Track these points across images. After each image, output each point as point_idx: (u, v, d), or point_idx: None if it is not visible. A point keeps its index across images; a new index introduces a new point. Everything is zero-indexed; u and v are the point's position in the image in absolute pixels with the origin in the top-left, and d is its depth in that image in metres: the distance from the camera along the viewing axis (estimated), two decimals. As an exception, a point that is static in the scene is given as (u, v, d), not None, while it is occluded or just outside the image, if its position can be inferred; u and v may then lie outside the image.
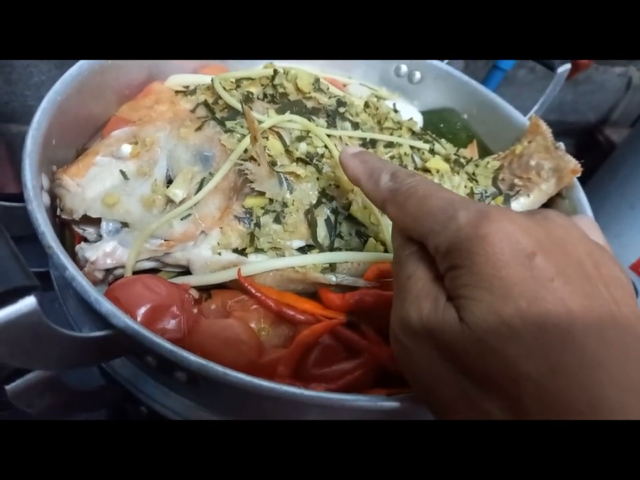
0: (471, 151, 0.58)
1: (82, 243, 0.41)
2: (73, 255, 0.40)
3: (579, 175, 0.50)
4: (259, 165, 0.38)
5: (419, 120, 0.59)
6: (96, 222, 0.41)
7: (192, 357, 0.30)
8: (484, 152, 0.59)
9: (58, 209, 0.41)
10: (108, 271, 0.40)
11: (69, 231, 0.43)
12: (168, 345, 0.30)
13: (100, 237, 0.41)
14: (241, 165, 0.39)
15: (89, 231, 0.42)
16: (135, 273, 0.40)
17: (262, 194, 0.40)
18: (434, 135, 0.55)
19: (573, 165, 0.49)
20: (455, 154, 0.52)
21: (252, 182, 0.39)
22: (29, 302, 0.25)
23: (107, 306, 0.31)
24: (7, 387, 0.30)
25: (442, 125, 0.61)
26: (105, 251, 0.40)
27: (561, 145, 0.52)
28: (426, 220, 0.27)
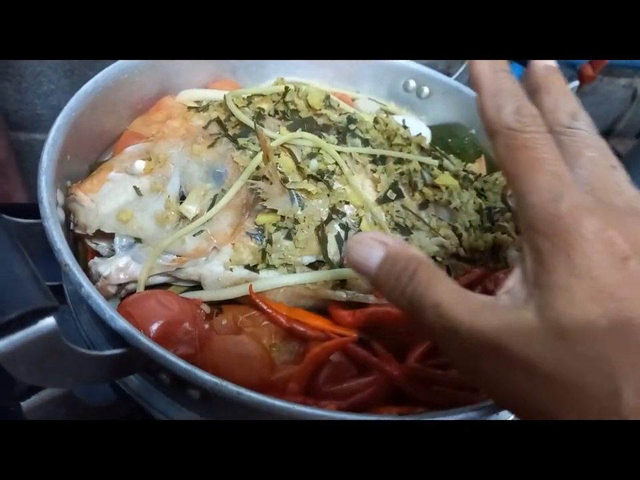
0: (479, 166, 0.59)
1: (95, 257, 0.41)
2: (86, 269, 0.41)
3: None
4: (271, 183, 0.39)
5: (427, 135, 0.59)
6: (109, 237, 0.41)
7: (206, 376, 0.30)
8: (492, 167, 0.59)
9: (72, 224, 0.42)
10: (120, 285, 0.41)
11: (82, 244, 0.44)
12: (182, 364, 0.30)
13: (113, 251, 0.41)
14: (253, 184, 0.39)
15: (102, 246, 0.42)
16: (146, 287, 0.41)
17: (274, 211, 0.41)
18: (442, 151, 0.55)
19: (582, 182, 0.50)
20: (463, 170, 0.53)
21: (264, 200, 0.39)
22: (48, 323, 0.25)
23: (121, 324, 0.31)
24: (23, 403, 0.31)
25: (450, 140, 0.61)
26: (118, 266, 0.40)
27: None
28: (528, 186, 0.26)
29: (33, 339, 0.25)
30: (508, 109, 0.28)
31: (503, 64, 0.31)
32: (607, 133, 1.54)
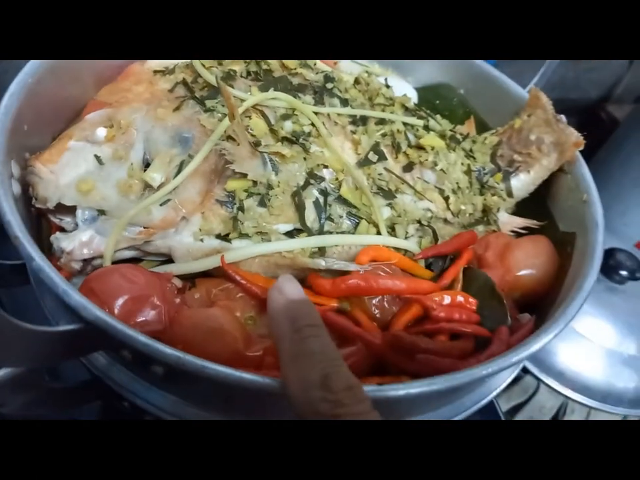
0: (468, 128, 0.56)
1: (57, 232, 0.39)
2: (52, 251, 0.38)
3: (581, 148, 0.47)
4: (238, 144, 0.36)
5: (413, 96, 0.56)
6: (73, 211, 0.39)
7: (168, 350, 0.28)
8: (482, 128, 0.56)
9: (33, 199, 0.39)
10: (86, 261, 0.38)
11: (47, 222, 0.41)
12: (142, 338, 0.28)
13: (77, 226, 0.39)
14: (218, 144, 0.36)
15: (66, 221, 0.40)
16: (114, 263, 0.38)
17: (245, 176, 0.38)
18: (428, 111, 0.52)
19: (575, 137, 0.47)
20: (450, 130, 0.50)
21: (231, 163, 0.37)
22: (-18, 295, 0.23)
23: (75, 298, 0.29)
24: (-24, 386, 0.29)
25: (437, 102, 0.58)
26: (81, 241, 0.38)
27: (562, 117, 0.49)
28: None
29: (-34, 314, 0.22)
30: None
31: None
32: (604, 99, 1.50)
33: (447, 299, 0.38)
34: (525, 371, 0.75)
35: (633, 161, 1.03)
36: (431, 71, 0.60)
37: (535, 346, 0.33)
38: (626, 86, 1.49)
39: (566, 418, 0.77)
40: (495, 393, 0.39)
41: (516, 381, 0.75)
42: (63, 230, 0.40)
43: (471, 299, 0.38)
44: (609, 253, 0.81)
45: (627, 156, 1.04)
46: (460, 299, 0.38)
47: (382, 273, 0.38)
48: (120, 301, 0.34)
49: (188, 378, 0.30)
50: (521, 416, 0.76)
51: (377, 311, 0.38)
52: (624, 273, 0.80)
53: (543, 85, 0.60)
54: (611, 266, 0.80)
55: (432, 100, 0.58)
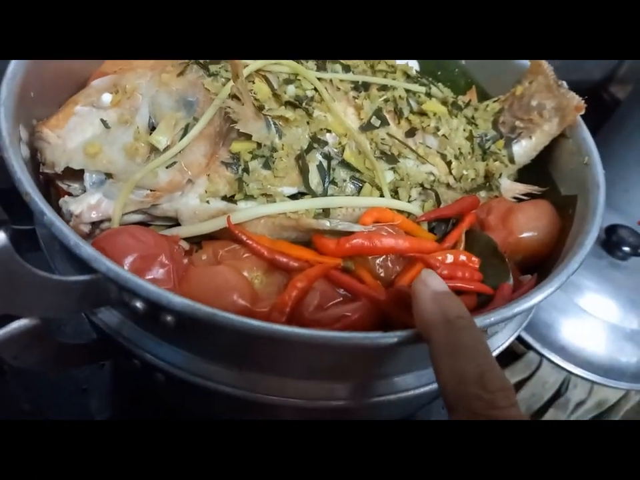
0: (470, 98, 0.56)
1: (65, 196, 0.39)
2: (61, 215, 0.39)
3: (582, 112, 0.47)
4: (242, 104, 0.37)
5: (414, 66, 0.56)
6: (80, 177, 0.39)
7: (178, 298, 0.28)
8: (483, 98, 0.57)
9: (41, 165, 0.40)
10: (94, 224, 0.39)
11: (55, 188, 0.42)
12: (152, 287, 0.28)
13: (85, 190, 0.40)
14: (224, 102, 0.37)
15: (74, 187, 0.40)
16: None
17: (249, 137, 0.38)
18: (430, 79, 0.53)
19: (576, 101, 0.47)
20: (452, 97, 0.50)
21: (236, 122, 0.37)
22: (-3, 237, 0.23)
23: (87, 250, 0.30)
24: (-11, 338, 0.29)
25: (439, 72, 0.58)
26: (89, 204, 0.38)
27: (564, 83, 0.49)
28: None
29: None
30: (471, 379, 0.22)
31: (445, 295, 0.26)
32: (607, 80, 1.50)
33: (450, 258, 0.38)
34: (527, 347, 0.75)
35: (635, 139, 1.02)
36: (433, 42, 0.61)
37: (537, 297, 0.33)
38: (628, 67, 1.48)
39: (568, 393, 0.78)
40: (494, 354, 0.39)
41: (519, 357, 0.75)
42: (71, 195, 0.41)
43: (473, 258, 0.39)
44: (612, 229, 0.81)
45: (629, 134, 1.04)
46: (463, 257, 0.39)
47: (385, 234, 0.39)
48: (129, 259, 0.34)
49: (198, 328, 0.31)
50: (525, 391, 0.77)
51: (380, 270, 0.38)
52: (626, 249, 0.80)
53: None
54: (613, 242, 0.80)
55: (434, 71, 0.58)
